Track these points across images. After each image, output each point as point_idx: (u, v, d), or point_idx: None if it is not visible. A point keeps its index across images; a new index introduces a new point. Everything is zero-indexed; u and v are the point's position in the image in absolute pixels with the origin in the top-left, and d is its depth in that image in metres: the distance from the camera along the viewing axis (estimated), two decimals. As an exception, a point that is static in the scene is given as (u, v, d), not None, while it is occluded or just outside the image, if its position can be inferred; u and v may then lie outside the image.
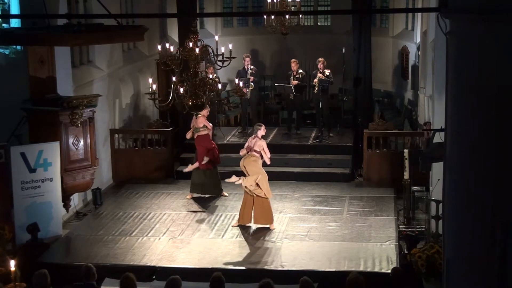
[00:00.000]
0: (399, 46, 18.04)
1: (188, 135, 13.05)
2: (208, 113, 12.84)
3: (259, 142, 11.28)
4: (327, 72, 14.68)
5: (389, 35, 18.49)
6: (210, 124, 12.89)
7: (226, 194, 13.07)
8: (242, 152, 11.44)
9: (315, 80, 14.71)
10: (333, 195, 13.09)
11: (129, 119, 15.63)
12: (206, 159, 12.65)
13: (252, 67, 15.33)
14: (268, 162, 11.44)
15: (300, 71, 15.20)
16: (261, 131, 11.40)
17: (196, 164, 12.85)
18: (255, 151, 11.24)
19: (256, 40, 19.29)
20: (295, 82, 14.97)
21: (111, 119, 14.56)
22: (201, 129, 12.68)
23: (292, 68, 15.09)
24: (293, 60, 15.31)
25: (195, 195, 13.05)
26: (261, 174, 11.19)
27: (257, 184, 11.19)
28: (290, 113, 15.90)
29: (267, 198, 11.32)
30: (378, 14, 18.83)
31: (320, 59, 14.85)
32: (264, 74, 18.81)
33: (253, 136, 11.53)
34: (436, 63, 11.07)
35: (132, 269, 8.96)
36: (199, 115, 12.44)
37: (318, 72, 14.71)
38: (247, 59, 15.28)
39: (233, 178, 11.33)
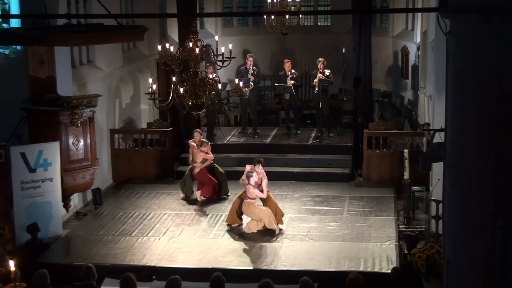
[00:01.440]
0: (399, 46, 18.02)
1: (190, 160, 13.05)
2: (209, 149, 12.85)
3: (251, 190, 11.11)
4: (327, 72, 14.66)
5: (389, 35, 18.47)
6: (211, 156, 12.89)
7: (228, 193, 13.07)
8: (242, 181, 11.42)
9: (315, 80, 14.69)
10: (333, 195, 13.09)
11: (129, 119, 15.62)
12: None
13: (254, 67, 15.32)
14: (264, 197, 11.28)
15: (293, 71, 15.19)
16: (254, 178, 11.15)
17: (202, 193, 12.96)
18: (249, 198, 11.16)
19: (256, 40, 19.27)
20: (292, 82, 14.97)
21: (111, 119, 14.55)
22: (199, 162, 12.74)
23: (287, 68, 15.06)
24: (286, 60, 15.28)
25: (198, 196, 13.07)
26: (262, 215, 11.12)
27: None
28: (287, 113, 15.89)
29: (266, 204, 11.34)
30: (378, 14, 18.81)
31: (320, 59, 14.83)
32: (264, 74, 18.80)
33: (245, 179, 11.28)
34: (436, 63, 11.06)
35: (132, 269, 8.97)
36: (197, 150, 12.61)
37: (318, 72, 14.68)
38: (251, 58, 15.25)
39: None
